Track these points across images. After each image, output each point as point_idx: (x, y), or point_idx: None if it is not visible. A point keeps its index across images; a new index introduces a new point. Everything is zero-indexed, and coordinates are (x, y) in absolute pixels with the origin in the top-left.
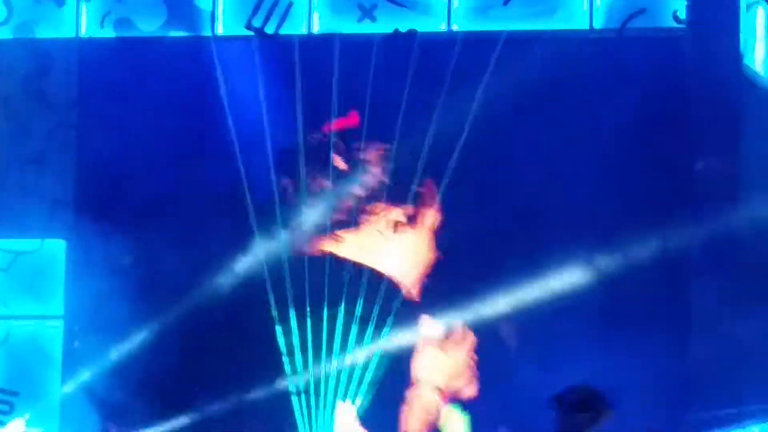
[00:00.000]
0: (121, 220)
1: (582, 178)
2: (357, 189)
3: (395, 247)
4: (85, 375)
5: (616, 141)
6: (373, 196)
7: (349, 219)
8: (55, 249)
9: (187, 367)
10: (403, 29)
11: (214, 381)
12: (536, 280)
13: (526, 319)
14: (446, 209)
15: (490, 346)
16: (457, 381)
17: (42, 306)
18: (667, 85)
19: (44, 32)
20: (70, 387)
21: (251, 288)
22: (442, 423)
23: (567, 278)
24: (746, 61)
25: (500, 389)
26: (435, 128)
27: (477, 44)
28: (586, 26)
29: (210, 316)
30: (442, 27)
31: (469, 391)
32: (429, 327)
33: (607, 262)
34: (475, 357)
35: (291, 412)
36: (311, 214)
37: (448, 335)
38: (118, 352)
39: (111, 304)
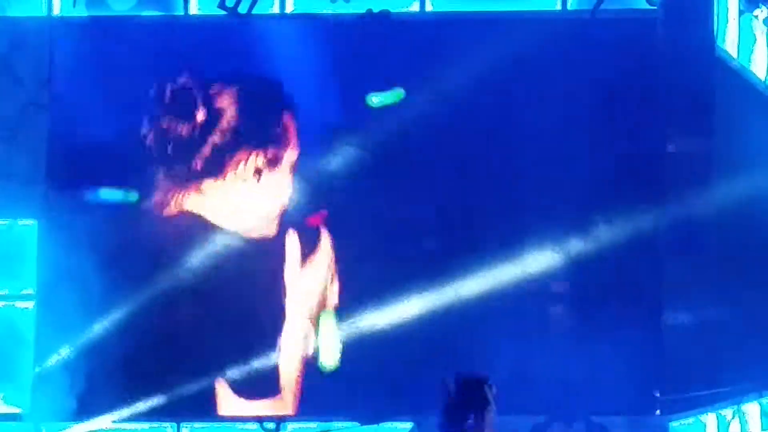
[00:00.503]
0: (94, 198)
1: (553, 159)
2: (215, 137)
3: (259, 193)
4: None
5: (589, 122)
6: (232, 143)
7: (210, 170)
8: (26, 230)
9: (159, 345)
10: (376, 10)
11: (184, 358)
12: (508, 262)
13: (498, 301)
14: (414, 190)
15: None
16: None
17: (13, 286)
18: (639, 67)
19: (16, 11)
20: (42, 366)
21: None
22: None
23: (539, 260)
24: (718, 42)
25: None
26: (408, 108)
27: (451, 24)
28: (559, 7)
29: (184, 297)
30: (415, 7)
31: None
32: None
33: (579, 243)
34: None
35: None
36: (170, 168)
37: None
38: (91, 330)
39: (82, 283)
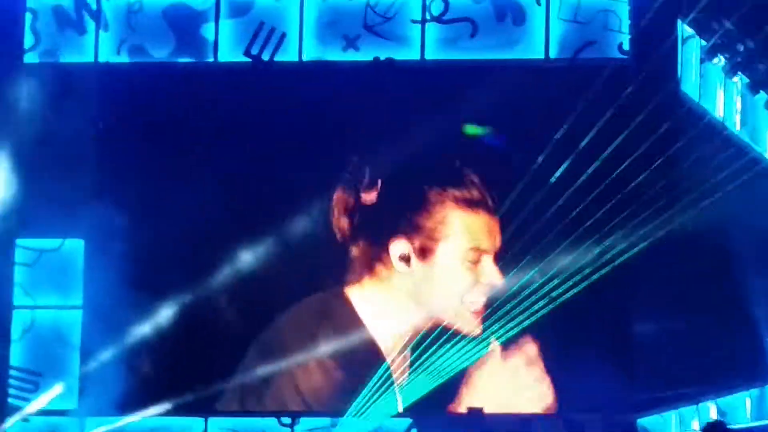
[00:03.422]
0: (133, 222)
1: (539, 185)
2: None
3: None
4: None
5: (568, 154)
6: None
7: None
8: (74, 248)
9: (192, 351)
10: (382, 58)
11: (213, 364)
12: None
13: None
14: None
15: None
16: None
17: (63, 297)
18: (613, 107)
19: (67, 58)
20: (86, 367)
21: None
22: None
23: (525, 275)
24: (682, 87)
25: None
26: (411, 144)
27: (447, 71)
28: (542, 56)
29: (211, 307)
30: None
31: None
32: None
33: (560, 262)
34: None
35: None
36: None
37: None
38: (130, 336)
39: (124, 296)
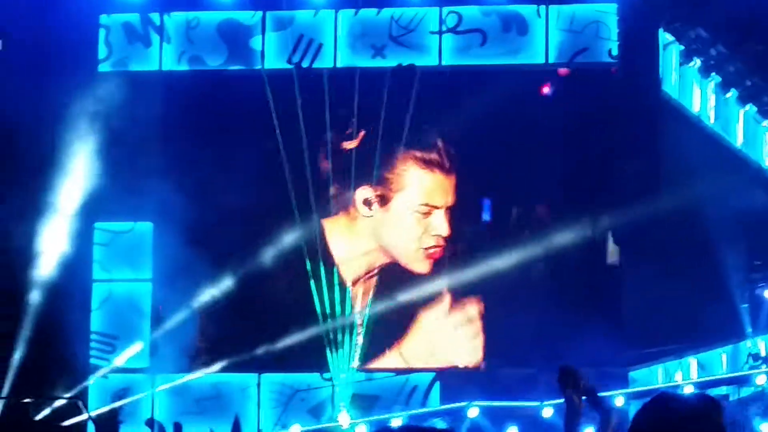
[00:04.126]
0: (194, 207)
1: (537, 175)
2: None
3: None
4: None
5: (567, 148)
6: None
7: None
8: (144, 229)
9: (245, 317)
10: (404, 64)
11: (265, 330)
12: (502, 257)
13: (495, 286)
14: None
15: None
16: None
17: (135, 272)
18: (603, 105)
19: (135, 67)
20: (156, 332)
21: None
22: None
23: (526, 252)
24: (663, 86)
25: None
26: (429, 138)
27: (462, 75)
28: (542, 61)
29: (263, 280)
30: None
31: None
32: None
33: (557, 240)
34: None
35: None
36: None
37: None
38: (193, 306)
39: (187, 271)
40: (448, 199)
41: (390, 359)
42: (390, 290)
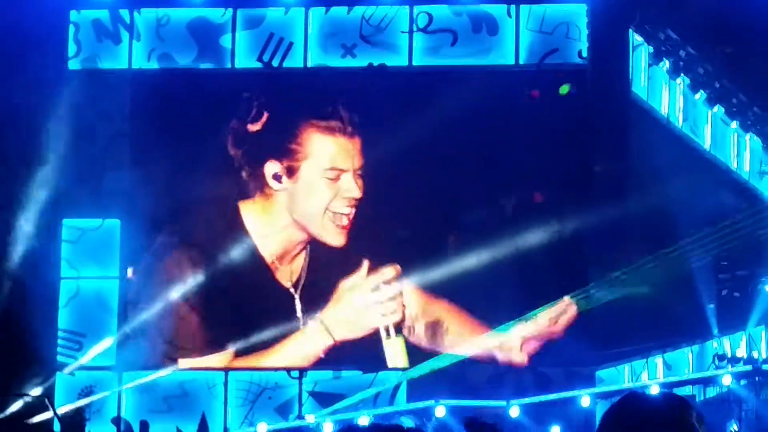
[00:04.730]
0: (161, 205)
1: (511, 174)
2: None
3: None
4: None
5: (536, 148)
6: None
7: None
8: (112, 226)
9: (212, 313)
10: (375, 64)
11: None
12: (481, 257)
13: (471, 282)
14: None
15: None
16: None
17: (102, 269)
18: (573, 106)
19: (104, 64)
20: (123, 331)
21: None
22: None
23: (501, 253)
24: (633, 88)
25: None
26: (398, 138)
27: (431, 75)
28: (512, 62)
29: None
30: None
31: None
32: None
33: (529, 240)
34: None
35: None
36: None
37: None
38: (159, 303)
39: (154, 268)
40: (355, 162)
41: (312, 331)
42: (317, 268)
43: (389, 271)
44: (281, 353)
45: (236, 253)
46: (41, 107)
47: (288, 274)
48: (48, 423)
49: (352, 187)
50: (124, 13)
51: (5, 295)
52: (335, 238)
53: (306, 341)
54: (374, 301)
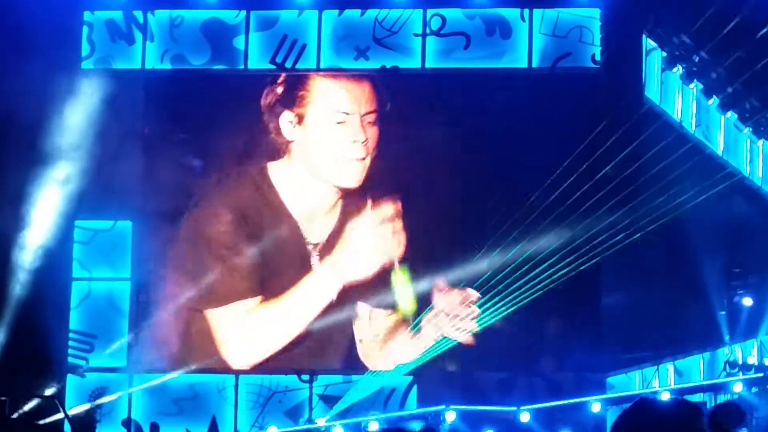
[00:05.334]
0: (174, 206)
1: (522, 178)
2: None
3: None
4: (147, 323)
5: (548, 153)
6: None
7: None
8: (124, 228)
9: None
10: (388, 66)
11: None
12: (485, 261)
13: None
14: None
15: None
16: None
17: (114, 271)
18: (586, 111)
19: (118, 64)
20: (135, 332)
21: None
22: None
23: (509, 257)
24: (646, 92)
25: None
26: (412, 140)
27: (444, 78)
28: (525, 65)
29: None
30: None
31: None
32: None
33: (541, 245)
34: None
35: None
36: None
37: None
38: (170, 305)
39: (166, 269)
40: (362, 106)
41: (322, 273)
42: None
43: (389, 207)
44: (296, 297)
45: (265, 211)
46: (54, 107)
47: (316, 233)
48: (59, 424)
49: (357, 132)
50: (138, 13)
51: (17, 296)
52: (352, 179)
53: (317, 283)
54: (377, 237)
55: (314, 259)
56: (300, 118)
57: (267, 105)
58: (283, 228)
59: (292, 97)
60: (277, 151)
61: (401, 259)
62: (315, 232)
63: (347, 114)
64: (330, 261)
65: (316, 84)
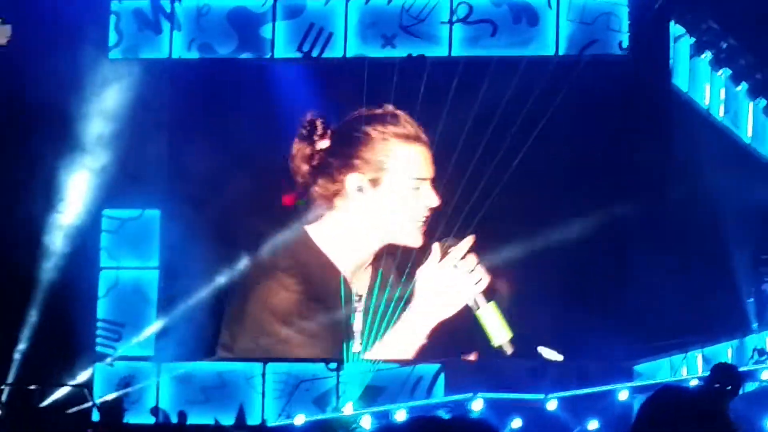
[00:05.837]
0: (202, 195)
1: (550, 165)
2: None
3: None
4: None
5: (576, 140)
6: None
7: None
8: (152, 217)
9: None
10: (415, 54)
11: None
12: (515, 248)
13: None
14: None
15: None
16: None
17: (142, 260)
18: (614, 98)
19: (145, 54)
20: (162, 319)
21: None
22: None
23: (538, 245)
24: (674, 79)
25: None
26: (438, 133)
27: (471, 66)
28: (552, 52)
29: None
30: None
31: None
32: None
33: (569, 232)
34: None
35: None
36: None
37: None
38: (199, 293)
39: (194, 258)
40: (431, 170)
41: (404, 324)
42: (387, 273)
43: (464, 244)
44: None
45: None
46: (82, 97)
47: (358, 285)
48: (87, 413)
49: (432, 196)
50: (165, 3)
51: (45, 285)
52: (416, 240)
53: (405, 335)
54: (458, 277)
55: (359, 312)
56: (375, 182)
57: (308, 158)
58: (333, 284)
59: (361, 160)
60: (312, 211)
61: (485, 293)
62: (358, 284)
63: (424, 180)
64: (414, 311)
65: (391, 148)
